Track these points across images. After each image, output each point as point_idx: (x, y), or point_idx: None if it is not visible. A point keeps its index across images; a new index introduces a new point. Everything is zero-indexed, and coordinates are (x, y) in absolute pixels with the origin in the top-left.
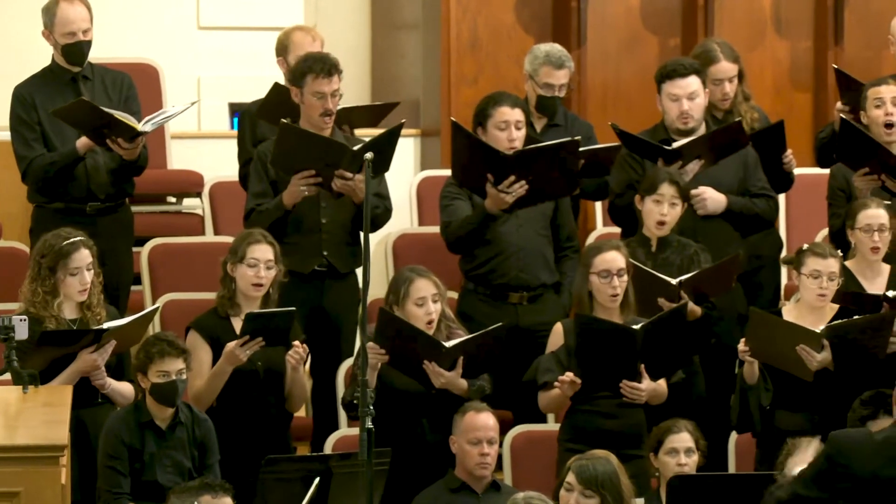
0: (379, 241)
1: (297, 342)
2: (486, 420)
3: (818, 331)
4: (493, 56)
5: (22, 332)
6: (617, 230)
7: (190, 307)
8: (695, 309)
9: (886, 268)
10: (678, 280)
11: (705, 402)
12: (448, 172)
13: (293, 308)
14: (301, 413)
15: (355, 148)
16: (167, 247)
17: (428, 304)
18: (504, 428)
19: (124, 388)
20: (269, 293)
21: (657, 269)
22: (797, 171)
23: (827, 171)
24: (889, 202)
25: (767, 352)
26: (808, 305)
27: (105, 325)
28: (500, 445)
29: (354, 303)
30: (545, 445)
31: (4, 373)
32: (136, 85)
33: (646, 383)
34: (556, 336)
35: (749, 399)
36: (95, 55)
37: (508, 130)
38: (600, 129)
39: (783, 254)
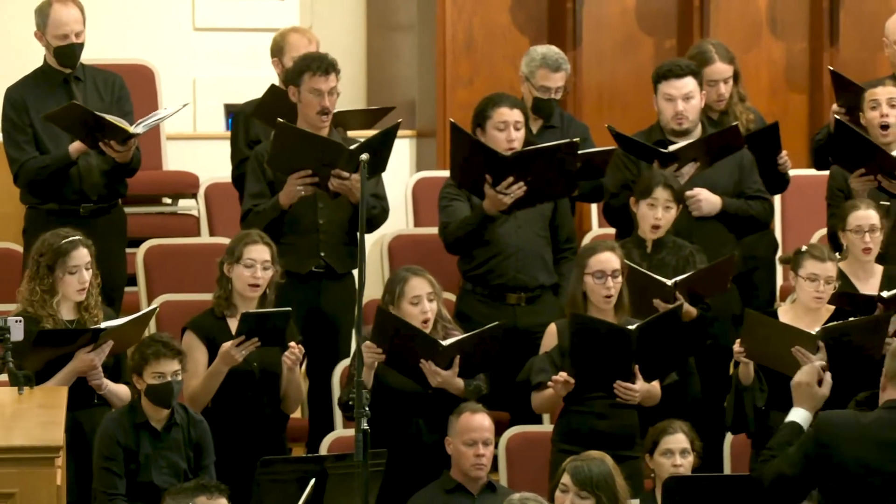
0: (375, 242)
1: (293, 343)
2: (481, 421)
3: (813, 332)
4: (488, 57)
5: (17, 333)
6: (612, 231)
7: (186, 308)
8: (690, 310)
9: (879, 268)
10: (673, 281)
11: (700, 403)
12: (444, 173)
13: (289, 308)
14: (297, 414)
15: (352, 147)
16: (162, 248)
17: (423, 302)
18: (500, 429)
19: (121, 390)
20: (265, 294)
21: (652, 270)
22: (792, 172)
23: (823, 172)
24: (887, 203)
25: (762, 353)
26: (805, 307)
27: (102, 325)
28: (496, 446)
29: (351, 303)
30: (540, 446)
31: (0, 373)
32: (132, 86)
33: (640, 384)
34: (550, 336)
35: (744, 400)
36: (91, 56)
37: (507, 131)
38: (596, 131)
39: (779, 254)
